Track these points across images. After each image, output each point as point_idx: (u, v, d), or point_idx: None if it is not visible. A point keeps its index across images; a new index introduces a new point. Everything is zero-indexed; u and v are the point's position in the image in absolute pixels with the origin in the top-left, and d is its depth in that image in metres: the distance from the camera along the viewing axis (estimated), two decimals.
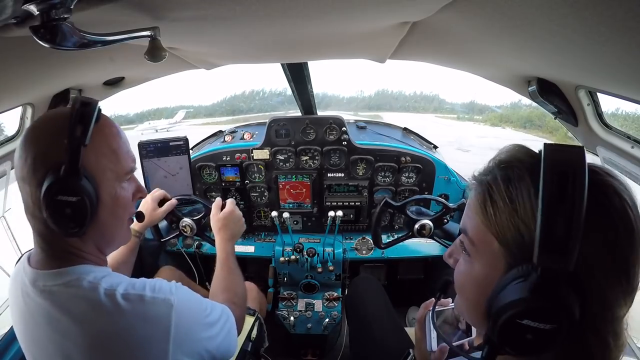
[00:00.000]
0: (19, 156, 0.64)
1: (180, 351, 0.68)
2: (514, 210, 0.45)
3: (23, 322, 0.70)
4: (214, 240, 1.63)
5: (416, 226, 1.46)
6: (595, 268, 0.42)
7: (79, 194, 0.62)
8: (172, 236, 1.60)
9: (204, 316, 0.77)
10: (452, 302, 0.87)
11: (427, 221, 1.45)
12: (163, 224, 1.74)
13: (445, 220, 1.47)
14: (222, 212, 1.28)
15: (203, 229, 1.53)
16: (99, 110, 0.66)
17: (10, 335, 1.22)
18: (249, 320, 1.37)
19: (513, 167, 0.47)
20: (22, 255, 0.74)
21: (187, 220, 1.50)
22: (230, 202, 1.32)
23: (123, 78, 1.26)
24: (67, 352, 0.65)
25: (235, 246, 1.86)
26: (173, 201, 1.37)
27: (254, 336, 1.34)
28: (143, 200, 1.33)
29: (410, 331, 1.32)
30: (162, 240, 1.63)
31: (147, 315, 0.65)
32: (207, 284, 1.91)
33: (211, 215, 1.30)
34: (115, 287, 0.66)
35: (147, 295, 0.67)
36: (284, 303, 2.02)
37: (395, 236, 1.59)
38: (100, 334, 0.63)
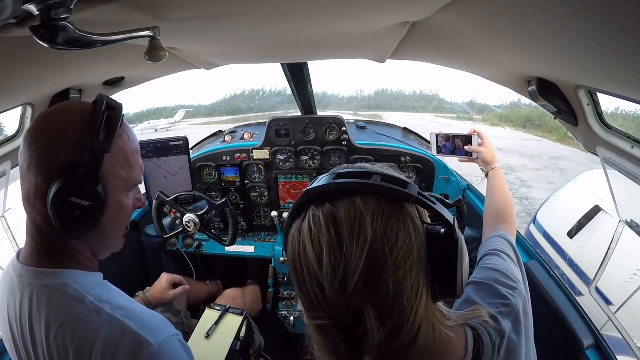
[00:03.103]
0: (28, 143, 0.62)
1: None
2: None
3: (6, 309, 0.68)
4: (216, 236, 1.65)
5: None
6: None
7: (92, 200, 0.61)
8: (175, 232, 1.61)
9: None
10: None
11: None
12: (167, 221, 1.75)
13: None
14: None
15: (206, 225, 1.55)
16: (123, 116, 0.66)
17: None
18: (237, 320, 1.39)
19: None
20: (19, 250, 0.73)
21: (190, 216, 1.53)
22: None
23: (123, 78, 1.26)
24: (38, 344, 0.62)
25: (236, 246, 1.88)
26: (186, 287, 1.52)
27: (243, 336, 1.36)
28: (160, 282, 1.50)
29: None
30: (166, 236, 1.65)
31: (121, 344, 0.60)
32: (208, 282, 1.91)
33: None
34: (103, 301, 0.63)
35: (131, 327, 0.61)
36: (284, 303, 2.02)
37: None
38: (71, 341, 0.60)
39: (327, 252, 0.48)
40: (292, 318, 1.95)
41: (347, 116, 2.28)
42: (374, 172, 0.51)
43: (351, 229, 0.47)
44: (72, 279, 0.64)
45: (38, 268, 0.65)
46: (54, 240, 0.65)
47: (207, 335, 1.32)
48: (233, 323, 1.38)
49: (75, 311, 0.61)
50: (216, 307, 1.44)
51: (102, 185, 0.63)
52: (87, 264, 0.69)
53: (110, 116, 0.63)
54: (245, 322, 1.39)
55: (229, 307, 1.43)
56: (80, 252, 0.68)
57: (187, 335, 1.39)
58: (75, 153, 0.61)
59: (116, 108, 0.64)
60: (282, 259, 1.92)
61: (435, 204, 0.50)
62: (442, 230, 0.50)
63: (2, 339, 1.20)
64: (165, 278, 1.50)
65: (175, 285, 1.52)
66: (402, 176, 0.53)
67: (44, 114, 0.65)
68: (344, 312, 0.48)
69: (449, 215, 0.50)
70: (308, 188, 0.52)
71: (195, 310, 1.67)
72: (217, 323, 1.37)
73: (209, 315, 1.41)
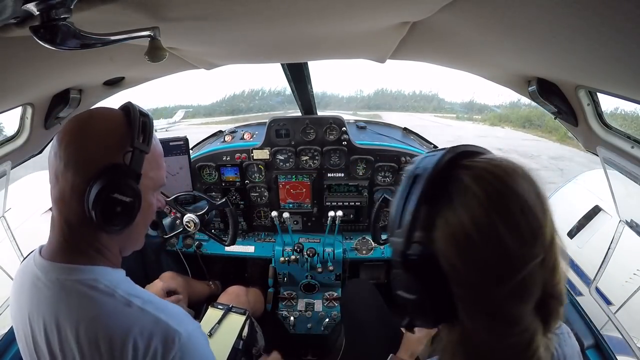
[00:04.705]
0: (65, 144, 0.65)
1: None
2: None
3: (28, 305, 0.69)
4: (216, 236, 1.65)
5: None
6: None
7: (133, 196, 0.67)
8: (175, 232, 1.61)
9: None
10: None
11: None
12: (167, 221, 1.76)
13: None
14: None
15: (206, 225, 1.55)
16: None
17: (11, 335, 1.21)
18: (240, 319, 1.39)
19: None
20: (32, 251, 0.74)
21: (190, 216, 1.53)
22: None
23: (123, 78, 1.26)
24: (64, 342, 0.64)
25: (236, 246, 1.88)
26: (179, 296, 1.51)
27: (245, 335, 1.37)
28: (154, 287, 1.48)
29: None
30: (166, 237, 1.65)
31: (154, 333, 0.64)
32: (210, 282, 1.91)
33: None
34: (132, 295, 0.67)
35: (162, 318, 0.66)
36: (284, 303, 2.02)
37: None
38: (103, 334, 0.63)
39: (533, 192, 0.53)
40: (292, 318, 1.95)
41: (347, 116, 2.28)
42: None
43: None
44: (100, 275, 0.67)
45: (67, 264, 0.67)
46: (85, 237, 0.68)
47: (210, 334, 1.32)
48: (236, 322, 1.38)
49: (106, 305, 0.65)
50: (219, 306, 1.44)
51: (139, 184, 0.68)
52: (113, 260, 0.73)
53: (145, 122, 0.70)
54: (248, 322, 1.39)
55: (232, 306, 1.43)
56: (109, 248, 0.71)
57: None
58: (115, 155, 0.66)
59: (148, 115, 0.71)
60: (282, 259, 1.92)
61: None
62: None
63: (2, 338, 1.20)
64: (160, 286, 1.48)
65: (169, 293, 1.50)
66: None
67: (81, 119, 0.69)
68: (552, 253, 0.51)
69: None
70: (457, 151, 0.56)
71: (195, 310, 1.67)
72: (219, 322, 1.36)
73: (212, 314, 1.41)
